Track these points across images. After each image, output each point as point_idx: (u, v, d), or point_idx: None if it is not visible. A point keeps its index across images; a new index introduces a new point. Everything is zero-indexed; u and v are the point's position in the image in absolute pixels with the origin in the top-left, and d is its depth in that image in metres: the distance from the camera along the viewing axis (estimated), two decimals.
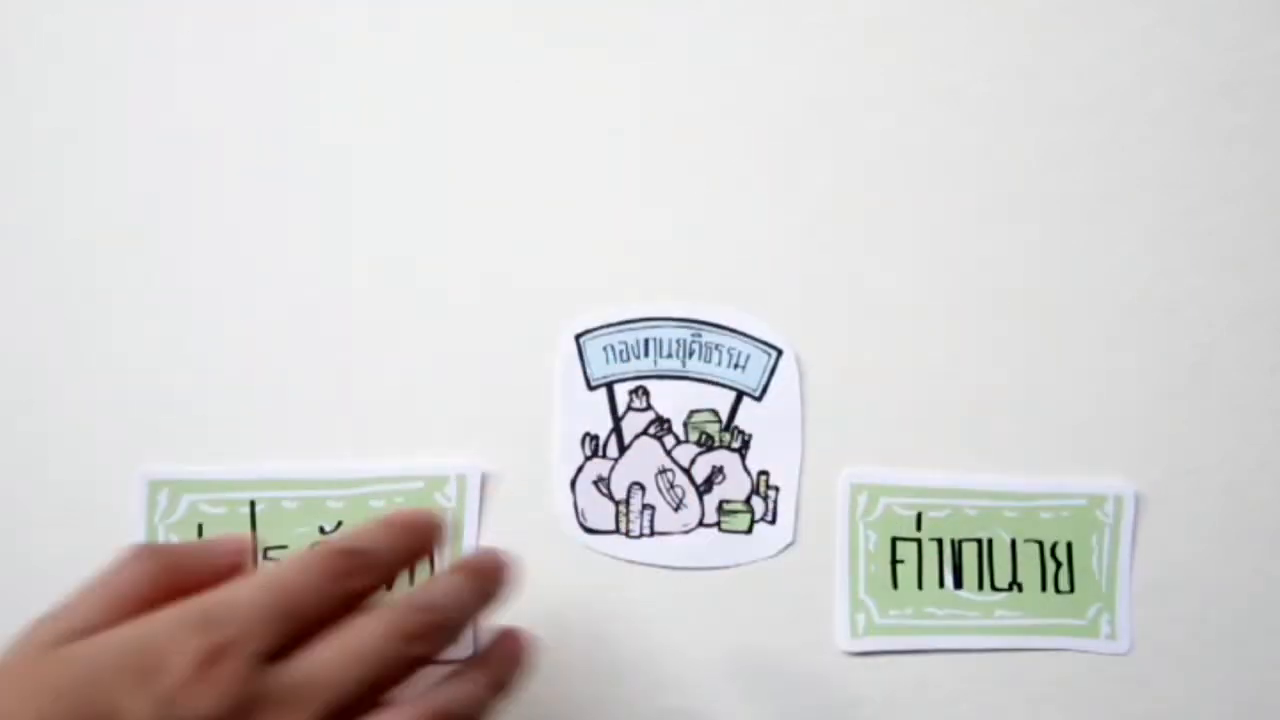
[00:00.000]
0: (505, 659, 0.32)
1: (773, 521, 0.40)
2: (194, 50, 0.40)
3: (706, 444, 0.40)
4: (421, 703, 0.28)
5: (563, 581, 0.39)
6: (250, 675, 0.25)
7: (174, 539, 0.38)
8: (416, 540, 0.30)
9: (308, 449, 0.39)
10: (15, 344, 0.39)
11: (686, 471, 0.40)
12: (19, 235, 0.39)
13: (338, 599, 0.27)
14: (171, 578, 0.28)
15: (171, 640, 0.25)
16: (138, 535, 0.38)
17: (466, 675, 0.30)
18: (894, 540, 0.40)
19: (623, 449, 0.40)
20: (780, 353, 0.40)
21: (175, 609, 0.26)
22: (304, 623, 0.27)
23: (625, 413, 0.40)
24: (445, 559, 0.33)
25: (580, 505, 0.39)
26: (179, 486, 0.39)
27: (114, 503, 0.39)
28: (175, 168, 0.40)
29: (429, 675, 0.29)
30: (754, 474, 0.40)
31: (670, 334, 0.40)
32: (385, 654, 0.27)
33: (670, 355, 0.40)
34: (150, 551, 0.28)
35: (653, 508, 0.39)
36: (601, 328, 0.40)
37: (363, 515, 0.39)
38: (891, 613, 0.39)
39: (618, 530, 0.39)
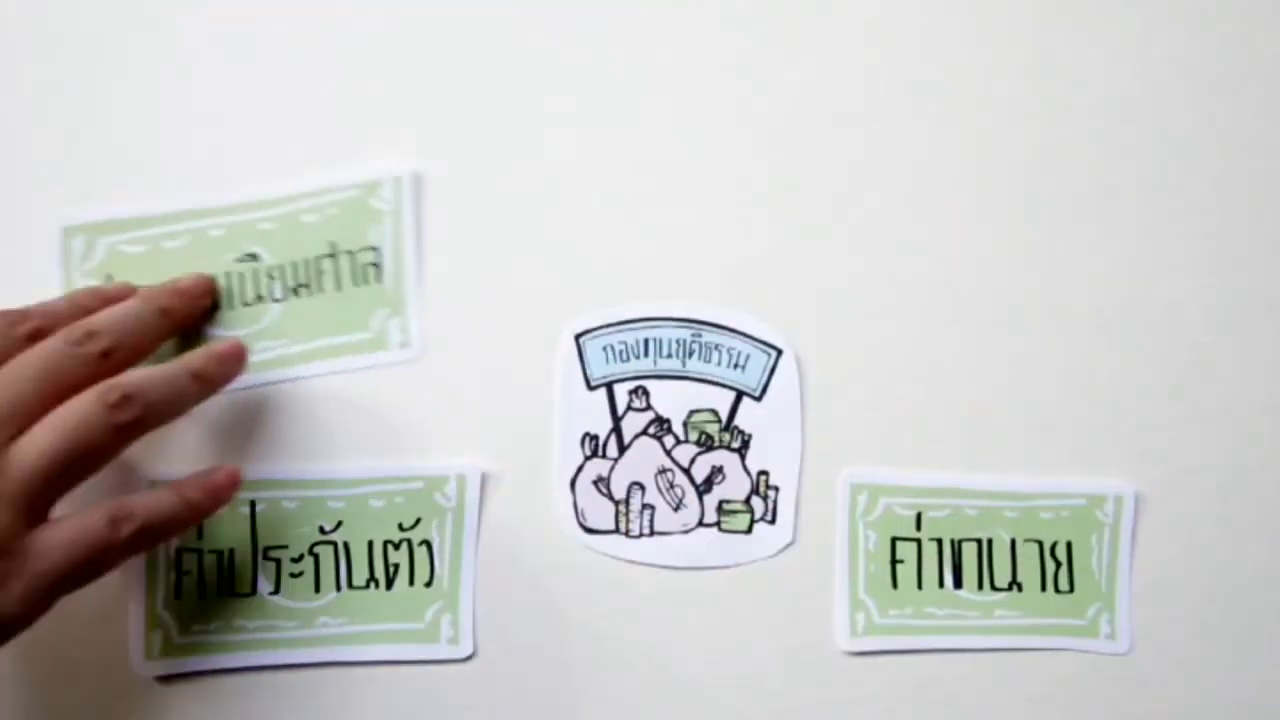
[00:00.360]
0: (209, 489, 0.35)
1: (772, 521, 0.40)
2: None
3: (706, 444, 0.40)
4: (114, 503, 0.32)
5: (562, 581, 0.39)
6: None
7: (175, 540, 0.38)
8: (95, 299, 0.35)
9: (308, 449, 0.39)
10: None
11: (686, 471, 0.40)
12: None
13: (11, 340, 0.32)
14: None
15: None
16: None
17: (166, 490, 0.34)
18: (894, 540, 0.40)
19: (622, 449, 0.40)
20: (780, 353, 0.40)
21: None
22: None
23: (625, 413, 0.40)
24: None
25: (580, 505, 0.39)
26: None
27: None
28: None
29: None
30: (754, 474, 0.40)
31: (670, 334, 0.40)
32: (57, 353, 0.31)
33: (670, 355, 0.40)
34: None
35: (652, 507, 0.39)
36: (601, 328, 0.40)
37: (363, 515, 0.39)
38: (891, 612, 0.39)
39: (617, 530, 0.39)
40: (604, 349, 0.40)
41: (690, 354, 0.40)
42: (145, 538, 0.32)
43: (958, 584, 0.40)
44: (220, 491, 0.35)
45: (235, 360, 0.36)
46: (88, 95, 0.40)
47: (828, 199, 0.40)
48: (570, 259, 0.40)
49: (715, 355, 0.40)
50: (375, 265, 0.39)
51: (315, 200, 0.39)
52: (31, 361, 0.31)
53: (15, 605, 0.30)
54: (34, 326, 0.33)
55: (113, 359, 0.33)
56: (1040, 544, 0.40)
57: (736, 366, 0.40)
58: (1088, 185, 0.41)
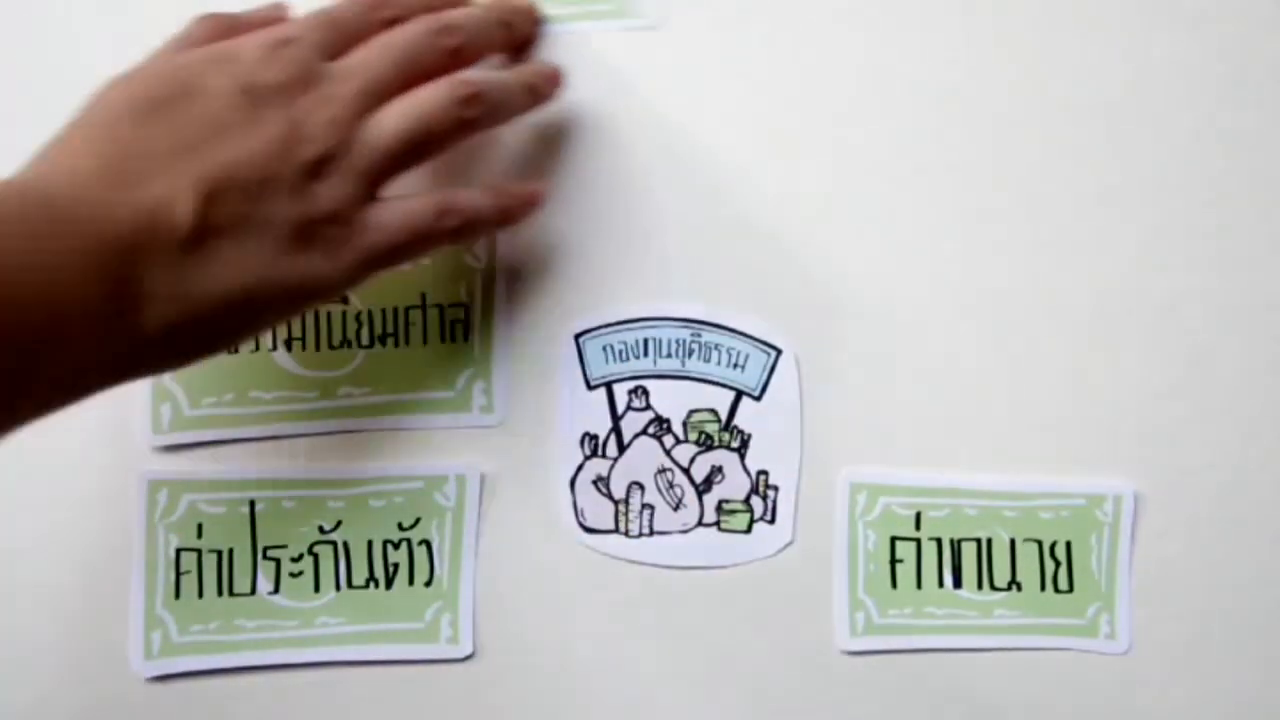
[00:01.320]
0: (519, 196, 0.37)
1: (772, 521, 0.40)
2: None
3: (706, 444, 0.40)
4: (440, 194, 0.34)
5: (562, 581, 0.39)
6: (308, 58, 0.31)
7: (174, 539, 0.38)
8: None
9: (308, 450, 0.39)
10: None
11: (686, 471, 0.40)
12: None
13: (372, 22, 0.34)
14: (229, 26, 0.34)
15: (246, 42, 0.32)
16: (138, 534, 0.38)
17: (483, 191, 0.36)
18: (893, 540, 0.40)
19: (622, 449, 0.40)
20: (780, 353, 0.40)
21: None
22: (347, 33, 0.33)
23: (624, 412, 0.40)
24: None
25: (579, 505, 0.39)
26: (178, 486, 0.39)
27: (113, 502, 0.39)
28: None
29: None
30: (753, 473, 0.40)
31: (670, 334, 0.40)
32: (417, 42, 0.33)
33: (670, 355, 0.40)
34: (209, 14, 0.34)
35: (652, 507, 0.39)
36: (601, 328, 0.40)
37: (363, 515, 0.39)
38: (891, 612, 0.39)
39: (617, 530, 0.39)
40: (604, 349, 0.40)
41: (690, 354, 0.40)
42: (463, 232, 0.34)
43: (957, 584, 0.40)
44: (529, 201, 0.36)
45: (557, 82, 0.38)
46: None
47: (828, 199, 0.40)
48: (570, 259, 0.40)
49: (715, 355, 0.40)
50: (463, 322, 0.39)
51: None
52: (394, 43, 0.33)
53: (341, 273, 0.31)
54: (393, 15, 0.34)
55: (461, 56, 0.34)
56: (1040, 544, 0.40)
57: (736, 366, 0.40)
58: (1087, 185, 0.40)
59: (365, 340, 0.39)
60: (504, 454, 0.39)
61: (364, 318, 0.39)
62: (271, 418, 0.39)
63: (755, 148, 0.40)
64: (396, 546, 0.39)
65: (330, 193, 0.31)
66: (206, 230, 0.29)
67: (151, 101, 0.30)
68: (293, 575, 0.39)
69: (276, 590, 0.39)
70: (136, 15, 0.40)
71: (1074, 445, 0.40)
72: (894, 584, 0.39)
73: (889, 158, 0.40)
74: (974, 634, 0.39)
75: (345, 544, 0.39)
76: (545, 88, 0.37)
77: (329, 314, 0.39)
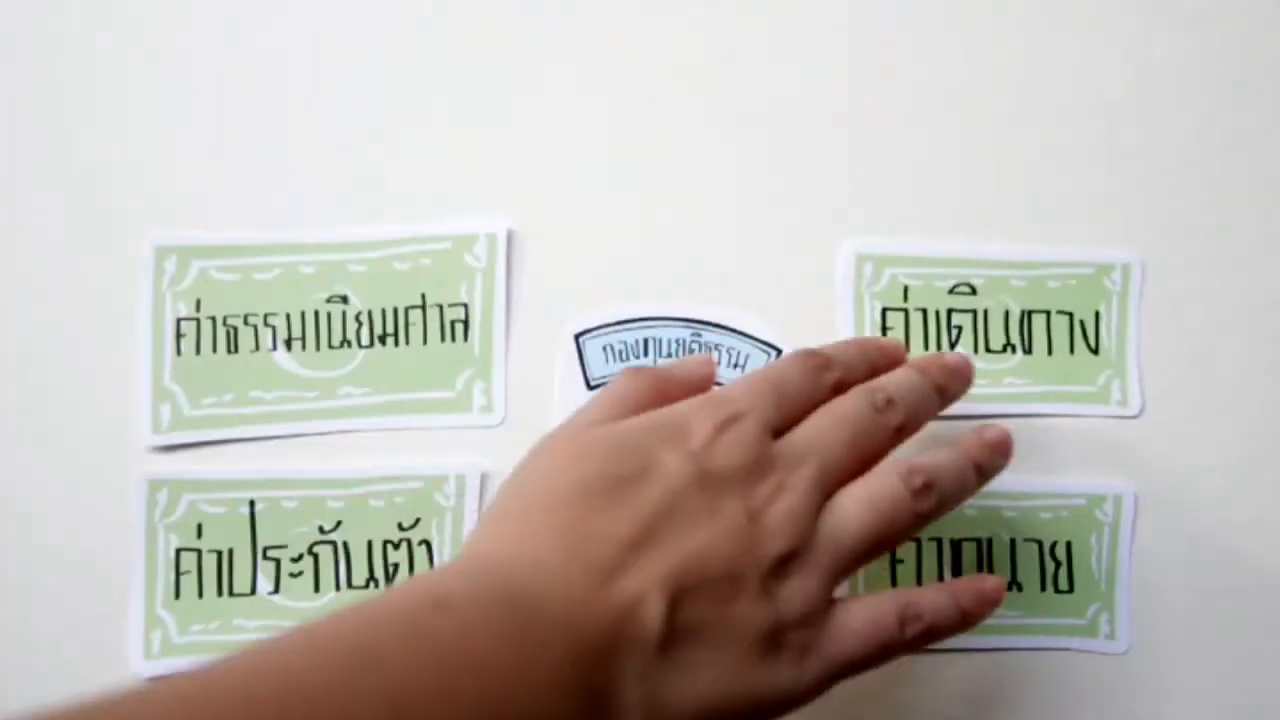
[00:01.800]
0: (981, 597, 0.32)
1: None
2: None
3: None
4: (903, 596, 0.30)
5: None
6: (760, 437, 0.29)
7: (174, 539, 0.38)
8: (880, 356, 0.35)
9: (308, 450, 0.39)
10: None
11: None
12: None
13: (818, 388, 0.32)
14: (660, 389, 0.32)
15: (692, 415, 0.30)
16: (138, 534, 0.38)
17: (943, 592, 0.31)
18: None
19: None
20: (780, 352, 0.40)
21: (688, 399, 0.31)
22: (793, 404, 0.31)
23: None
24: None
25: None
26: (179, 486, 0.39)
27: (113, 502, 0.39)
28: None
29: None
30: None
31: (670, 334, 0.40)
32: (864, 419, 0.31)
33: (670, 355, 0.40)
34: (639, 370, 0.33)
35: None
36: (601, 328, 0.40)
37: (363, 515, 0.39)
38: None
39: None
40: (604, 349, 0.40)
41: (690, 354, 0.40)
42: (924, 640, 0.30)
43: None
44: (990, 602, 0.32)
45: (1007, 454, 0.34)
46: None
47: (828, 199, 0.40)
48: (570, 259, 0.40)
49: (715, 355, 0.40)
50: (464, 323, 0.39)
51: (409, 249, 0.39)
52: (844, 419, 0.31)
53: (807, 683, 0.28)
54: (838, 377, 0.32)
55: (901, 434, 0.32)
56: (1040, 544, 0.40)
57: (736, 366, 0.40)
58: (1087, 186, 0.40)
59: (365, 340, 0.39)
60: (504, 454, 0.39)
61: (364, 318, 0.39)
62: (272, 418, 0.39)
63: (754, 148, 0.40)
64: (396, 547, 0.39)
65: (797, 595, 0.28)
66: (675, 634, 0.26)
67: (607, 480, 0.28)
68: (293, 575, 0.39)
69: (276, 590, 0.39)
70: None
71: (1073, 445, 0.40)
72: (894, 584, 0.39)
73: (889, 158, 0.40)
74: (974, 634, 0.39)
75: (345, 544, 0.39)
76: (992, 463, 0.33)
77: (329, 314, 0.39)
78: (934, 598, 0.31)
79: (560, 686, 0.24)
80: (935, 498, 0.30)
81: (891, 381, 0.33)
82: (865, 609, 0.29)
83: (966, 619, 0.32)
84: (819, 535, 0.29)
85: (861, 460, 0.31)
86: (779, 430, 0.30)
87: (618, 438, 0.29)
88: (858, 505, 0.29)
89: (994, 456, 0.33)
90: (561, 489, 0.28)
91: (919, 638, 0.30)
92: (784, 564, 0.28)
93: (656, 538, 0.27)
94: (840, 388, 0.32)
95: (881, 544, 0.30)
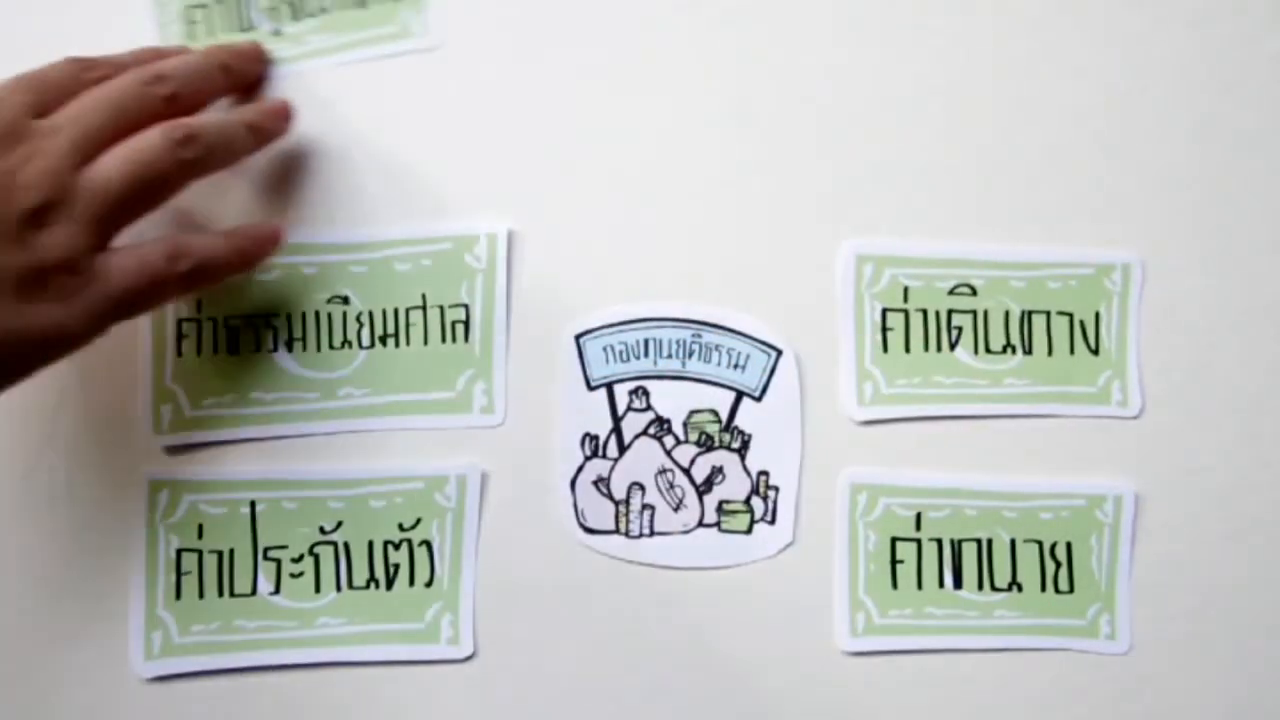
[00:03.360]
0: (257, 237, 0.36)
1: (772, 521, 0.40)
2: None
3: (706, 444, 0.40)
4: (171, 239, 0.34)
5: (562, 581, 0.39)
6: (14, 116, 0.31)
7: (175, 539, 0.38)
8: (155, 55, 0.36)
9: (309, 450, 0.39)
10: None
11: (686, 472, 0.40)
12: None
13: (81, 81, 0.34)
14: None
15: None
16: (138, 534, 0.38)
17: (218, 234, 0.36)
18: (894, 540, 0.40)
19: (622, 449, 0.40)
20: (780, 353, 0.40)
21: None
22: (56, 91, 0.33)
23: (625, 413, 0.40)
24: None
25: (580, 505, 0.39)
26: (179, 486, 0.39)
27: (114, 502, 0.39)
28: None
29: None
30: (754, 474, 0.40)
31: (670, 334, 0.40)
32: (129, 91, 0.33)
33: (670, 355, 0.40)
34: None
35: (652, 508, 0.39)
36: (601, 328, 0.40)
37: (363, 515, 0.39)
38: (891, 613, 0.39)
39: (617, 530, 0.39)
40: (604, 349, 0.40)
41: (690, 354, 0.40)
42: (197, 277, 0.34)
43: (958, 584, 0.40)
44: (266, 242, 0.36)
45: (283, 117, 0.38)
46: None
47: (828, 199, 0.40)
48: (570, 259, 0.40)
49: (715, 355, 0.40)
50: (464, 323, 0.39)
51: (409, 249, 0.39)
52: (106, 95, 0.33)
53: (77, 321, 0.31)
54: (103, 74, 0.34)
55: (177, 103, 0.34)
56: (1040, 544, 0.40)
57: (736, 367, 0.40)
58: (1087, 186, 0.40)
59: (365, 340, 0.39)
60: (504, 454, 0.39)
61: (364, 318, 0.39)
62: (272, 418, 0.39)
63: (754, 148, 0.40)
64: (397, 547, 0.39)
65: (56, 240, 0.31)
66: None
67: None
68: (293, 576, 0.39)
69: (277, 591, 0.39)
70: None
71: (1073, 445, 0.40)
72: (894, 584, 0.39)
73: (889, 158, 0.40)
74: (974, 634, 0.39)
75: (346, 544, 0.39)
76: (270, 124, 0.37)
77: (329, 314, 0.39)
78: (205, 238, 0.35)
79: None
80: (199, 147, 0.33)
81: (166, 61, 0.35)
82: (134, 252, 0.33)
83: (243, 257, 0.36)
84: (79, 189, 0.31)
85: (128, 128, 0.33)
86: (43, 114, 0.32)
87: None
88: (117, 160, 0.32)
89: (272, 120, 0.38)
90: None
91: (191, 274, 0.33)
92: (40, 214, 0.30)
93: None
94: (101, 79, 0.34)
95: (146, 189, 0.33)
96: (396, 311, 0.39)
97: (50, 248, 0.31)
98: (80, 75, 0.34)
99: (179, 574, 0.38)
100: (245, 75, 0.39)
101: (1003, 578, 0.40)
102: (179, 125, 0.33)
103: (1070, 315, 0.40)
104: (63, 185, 0.31)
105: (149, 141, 0.33)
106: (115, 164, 0.32)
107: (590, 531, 0.39)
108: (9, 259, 0.30)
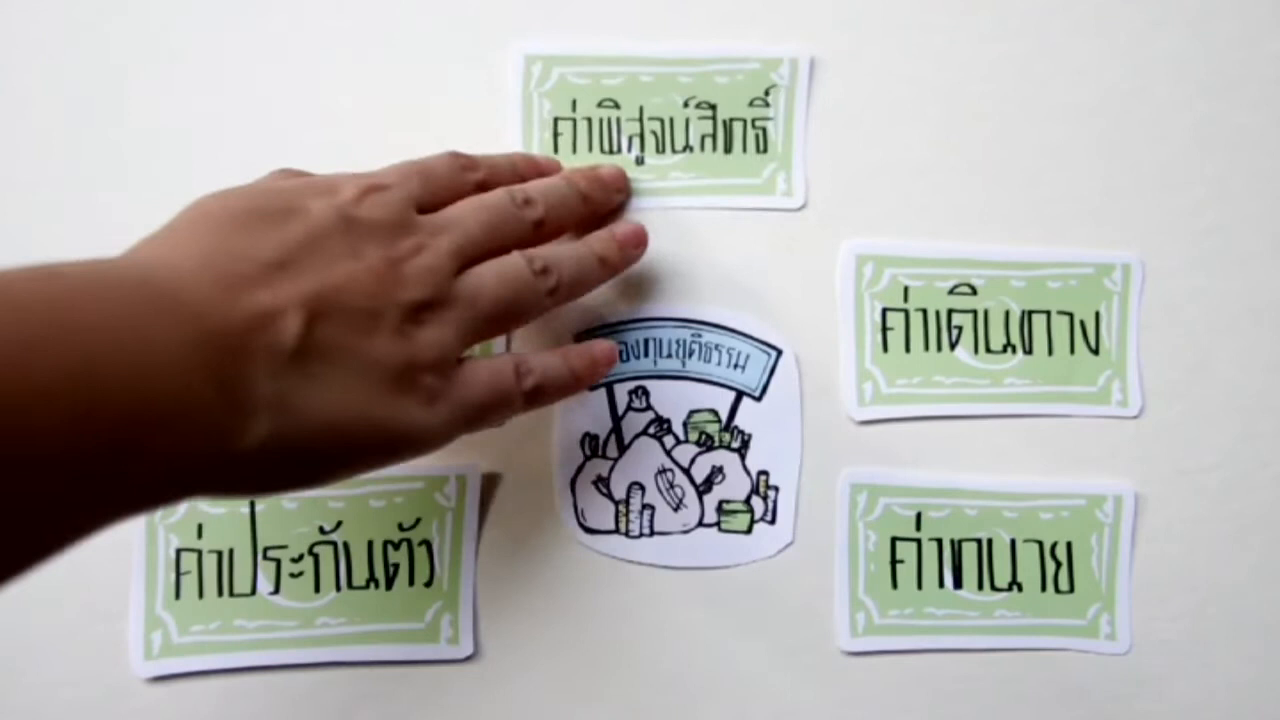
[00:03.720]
0: (590, 360, 0.36)
1: (772, 521, 0.40)
2: None
3: (706, 444, 0.40)
4: (517, 356, 0.34)
5: (562, 581, 0.39)
6: (405, 205, 0.32)
7: (174, 539, 0.38)
8: (529, 166, 0.38)
9: None
10: None
11: (686, 471, 0.40)
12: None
13: (463, 182, 0.35)
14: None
15: (342, 180, 0.32)
16: (138, 534, 0.38)
17: (555, 354, 0.35)
18: (894, 540, 0.40)
19: (622, 449, 0.40)
20: (780, 353, 0.40)
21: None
22: (439, 188, 0.34)
23: (625, 413, 0.40)
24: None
25: (580, 505, 0.39)
26: None
27: None
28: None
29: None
30: (754, 474, 0.40)
31: (670, 334, 0.40)
32: (504, 209, 0.34)
33: (670, 355, 0.40)
34: (289, 169, 0.34)
35: (652, 508, 0.39)
36: (601, 328, 0.40)
37: (363, 515, 0.39)
38: (891, 612, 0.39)
39: (617, 530, 0.39)
40: None
41: (690, 354, 0.40)
42: (538, 396, 0.34)
43: (958, 584, 0.40)
44: (599, 365, 0.36)
45: (636, 245, 0.38)
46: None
47: (827, 199, 0.40)
48: None
49: (715, 355, 0.40)
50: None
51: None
52: (484, 206, 0.34)
53: (440, 425, 0.31)
54: (482, 177, 0.35)
55: (542, 229, 0.35)
56: (1040, 544, 0.40)
57: (736, 366, 0.40)
58: (1087, 186, 0.41)
59: None
60: (504, 454, 0.39)
61: None
62: None
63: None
64: (397, 547, 0.39)
65: (432, 340, 0.30)
66: (310, 349, 0.27)
67: (253, 214, 0.29)
68: (293, 575, 0.39)
69: (277, 590, 0.39)
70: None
71: (1073, 445, 0.40)
72: (895, 584, 0.39)
73: (889, 159, 0.40)
74: (974, 634, 0.39)
75: (345, 544, 0.39)
76: (619, 255, 0.37)
77: None
78: (545, 356, 0.35)
79: (183, 363, 0.25)
80: (554, 280, 0.34)
81: (535, 184, 0.36)
82: (487, 364, 0.33)
83: (577, 379, 0.35)
84: (455, 293, 0.31)
85: (498, 245, 0.33)
86: (424, 209, 0.33)
87: (273, 187, 0.31)
88: (491, 275, 0.32)
89: (622, 250, 0.37)
90: (212, 216, 0.29)
91: (533, 391, 0.33)
92: (420, 311, 0.30)
93: (297, 265, 0.28)
94: (485, 187, 0.35)
95: (511, 312, 0.33)
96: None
97: (426, 346, 0.30)
98: (462, 175, 0.35)
99: (179, 574, 0.38)
100: (605, 205, 0.39)
101: (1003, 578, 0.40)
102: (535, 256, 0.34)
103: (1070, 315, 0.40)
104: (444, 287, 0.31)
105: (516, 267, 0.33)
106: (491, 279, 0.32)
107: (590, 531, 0.39)
108: (389, 348, 0.29)
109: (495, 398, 0.32)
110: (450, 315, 0.31)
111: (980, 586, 0.40)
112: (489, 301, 0.32)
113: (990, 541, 0.40)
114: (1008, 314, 0.40)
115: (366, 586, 0.39)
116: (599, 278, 0.36)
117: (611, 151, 0.40)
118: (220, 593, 0.38)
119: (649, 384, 0.40)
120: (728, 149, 0.40)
